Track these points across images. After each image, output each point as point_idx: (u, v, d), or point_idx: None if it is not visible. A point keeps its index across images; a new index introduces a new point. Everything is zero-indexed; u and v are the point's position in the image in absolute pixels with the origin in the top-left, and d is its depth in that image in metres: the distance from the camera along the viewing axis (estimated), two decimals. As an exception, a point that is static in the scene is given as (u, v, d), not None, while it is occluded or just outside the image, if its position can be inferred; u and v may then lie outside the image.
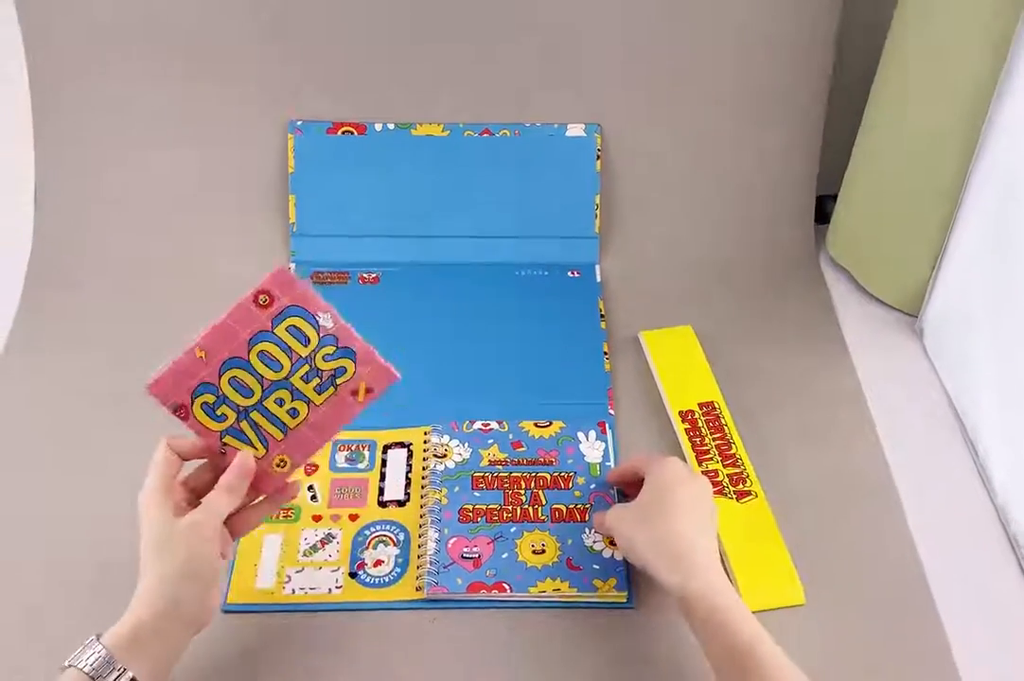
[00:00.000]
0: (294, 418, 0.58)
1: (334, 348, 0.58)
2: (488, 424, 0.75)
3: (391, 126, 0.87)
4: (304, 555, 0.67)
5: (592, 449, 0.73)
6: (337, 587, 0.65)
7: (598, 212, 0.89)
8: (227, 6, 0.82)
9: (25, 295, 0.86)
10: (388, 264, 0.88)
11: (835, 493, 0.71)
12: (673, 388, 0.78)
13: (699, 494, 0.62)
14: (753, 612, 0.56)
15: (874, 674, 0.61)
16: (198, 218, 0.89)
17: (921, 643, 0.63)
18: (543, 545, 0.67)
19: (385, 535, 0.68)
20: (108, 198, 0.88)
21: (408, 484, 0.71)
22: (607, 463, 0.73)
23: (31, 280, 0.87)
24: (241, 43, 0.84)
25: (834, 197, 0.91)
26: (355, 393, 0.58)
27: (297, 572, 0.66)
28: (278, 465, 0.59)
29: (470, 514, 0.69)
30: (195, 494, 0.58)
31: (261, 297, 0.57)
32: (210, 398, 0.57)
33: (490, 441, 0.74)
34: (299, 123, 0.87)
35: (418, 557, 0.67)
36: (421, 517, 0.69)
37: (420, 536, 0.68)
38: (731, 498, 0.70)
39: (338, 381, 0.58)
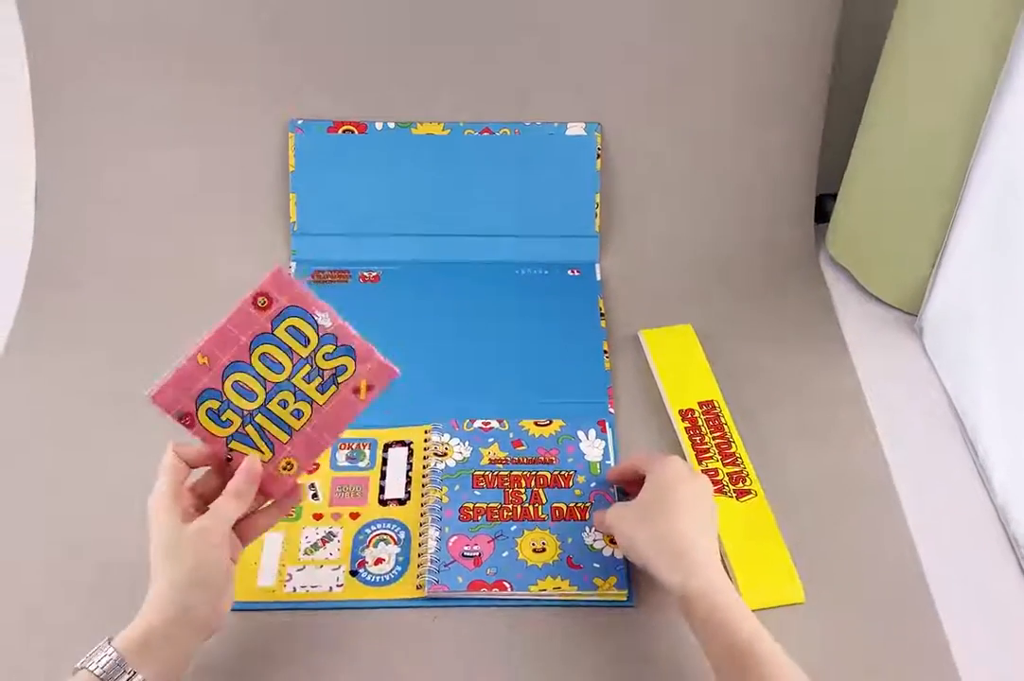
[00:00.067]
0: (298, 419, 0.58)
1: (334, 347, 0.58)
2: (488, 423, 0.75)
3: (392, 125, 0.87)
4: (305, 553, 0.67)
5: (592, 448, 0.74)
6: (338, 585, 0.65)
7: (598, 211, 0.89)
8: (228, 6, 0.82)
9: (25, 295, 0.85)
10: (389, 263, 0.88)
11: (834, 492, 0.72)
12: (673, 387, 0.78)
13: (700, 493, 0.63)
14: (753, 610, 0.56)
15: (873, 673, 0.61)
16: (199, 217, 0.89)
17: (920, 641, 0.63)
18: (543, 543, 0.67)
19: (386, 533, 0.68)
20: (109, 197, 0.88)
21: (409, 483, 0.71)
22: (607, 462, 0.73)
23: (31, 280, 0.87)
24: (242, 42, 0.84)
25: (834, 196, 0.91)
26: (357, 391, 0.58)
27: (298, 570, 0.66)
28: (285, 468, 0.59)
29: (471, 513, 0.69)
30: (203, 500, 0.58)
31: (260, 299, 0.57)
32: (215, 404, 0.57)
33: (490, 440, 0.74)
34: (300, 122, 0.87)
35: (419, 556, 0.67)
36: (422, 515, 0.69)
37: (421, 535, 0.68)
38: (731, 497, 0.70)
39: (339, 379, 0.58)
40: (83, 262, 0.88)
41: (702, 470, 0.72)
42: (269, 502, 0.60)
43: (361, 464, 0.73)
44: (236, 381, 0.57)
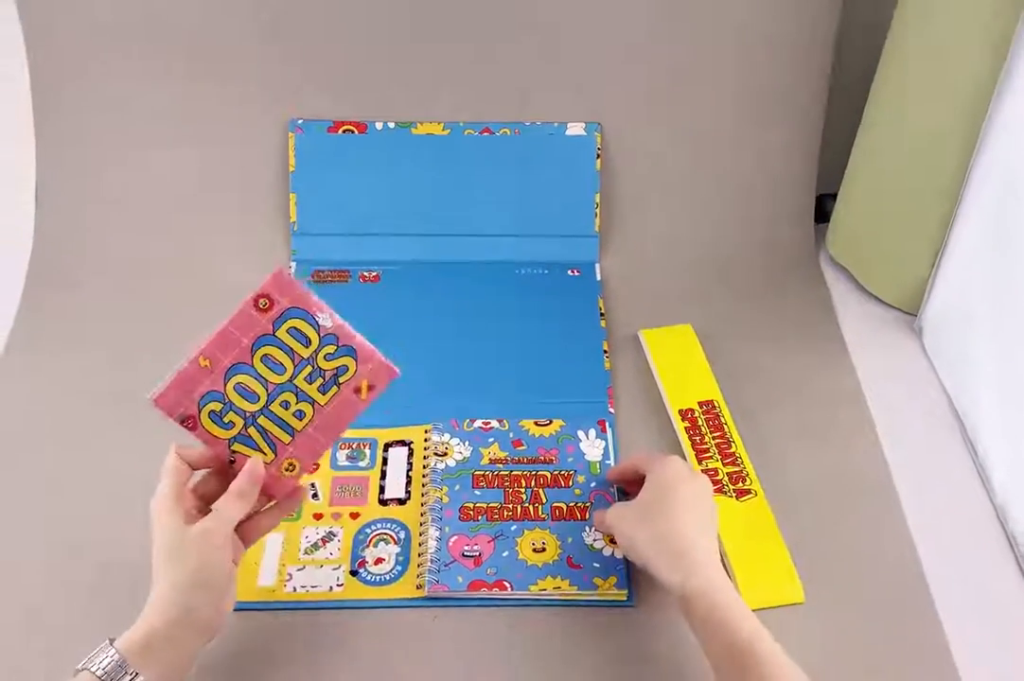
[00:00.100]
0: (300, 420, 0.58)
1: (335, 347, 0.58)
2: (488, 422, 0.75)
3: (392, 125, 0.88)
4: (305, 553, 0.67)
5: (592, 447, 0.74)
6: (338, 585, 0.65)
7: (598, 211, 0.89)
8: (228, 5, 0.82)
9: (25, 295, 0.85)
10: (389, 263, 0.88)
11: (834, 492, 0.72)
12: (673, 386, 0.78)
13: (700, 493, 0.63)
14: (752, 610, 0.56)
15: (873, 672, 0.61)
16: (199, 217, 0.89)
17: (920, 641, 0.63)
18: (543, 543, 0.67)
19: (386, 533, 0.68)
20: (109, 197, 0.88)
21: (409, 482, 0.71)
22: (607, 461, 0.73)
23: (31, 280, 0.87)
24: (242, 42, 0.84)
25: (834, 196, 0.91)
26: (358, 391, 0.58)
27: (298, 570, 0.66)
28: (287, 469, 0.59)
29: (471, 512, 0.69)
30: (204, 501, 0.58)
31: (261, 301, 0.57)
32: (217, 406, 0.57)
33: (490, 439, 0.74)
34: (300, 122, 0.87)
35: (419, 555, 0.67)
36: (422, 515, 0.69)
37: (421, 534, 0.68)
38: (731, 496, 0.70)
39: (341, 380, 0.58)
40: (83, 262, 0.88)
41: (702, 470, 0.72)
42: (271, 503, 0.60)
43: (361, 464, 0.73)
44: (238, 383, 0.57)
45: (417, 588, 0.65)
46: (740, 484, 0.71)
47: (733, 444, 0.73)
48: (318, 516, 0.69)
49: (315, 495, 0.70)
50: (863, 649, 0.62)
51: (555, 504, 0.70)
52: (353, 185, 0.88)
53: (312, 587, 0.65)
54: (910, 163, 0.78)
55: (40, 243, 0.88)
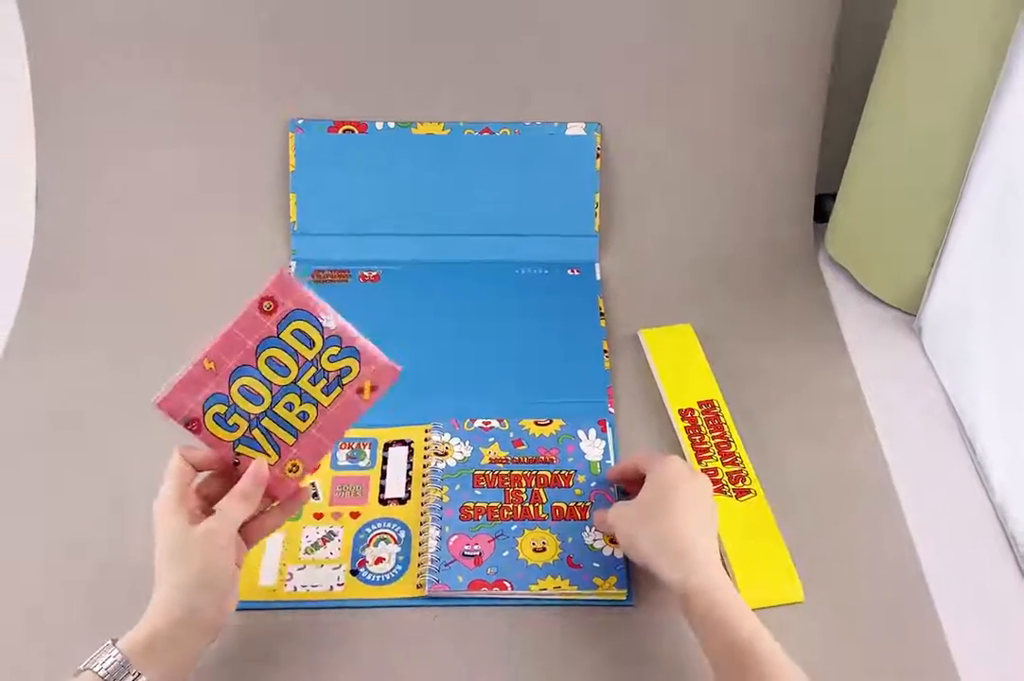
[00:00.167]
0: (304, 421, 0.58)
1: (339, 348, 0.58)
2: (489, 422, 0.75)
3: (392, 125, 0.88)
4: (305, 553, 0.67)
5: (592, 447, 0.74)
6: (339, 585, 0.65)
7: (598, 210, 0.89)
8: (228, 5, 0.82)
9: (26, 295, 0.85)
10: (389, 262, 0.88)
11: (834, 491, 0.72)
12: (673, 386, 0.78)
13: (700, 492, 0.63)
14: (752, 609, 0.56)
15: (872, 671, 0.61)
16: (199, 217, 0.89)
17: (919, 640, 0.63)
18: (544, 543, 0.67)
19: (386, 533, 0.68)
20: (109, 197, 0.89)
21: (409, 482, 0.72)
22: (607, 461, 0.73)
23: (32, 280, 0.87)
24: (242, 42, 0.84)
25: (833, 196, 0.91)
26: (361, 391, 0.58)
27: (299, 569, 0.66)
28: (290, 470, 0.59)
29: (471, 512, 0.69)
30: (208, 501, 0.58)
31: (265, 303, 0.57)
32: (221, 408, 0.57)
33: (491, 439, 0.74)
34: (300, 121, 0.87)
35: (419, 555, 0.67)
36: (422, 515, 0.69)
37: (421, 534, 0.68)
38: (730, 496, 0.70)
39: (344, 381, 0.58)
40: (83, 262, 0.88)
41: (702, 469, 0.72)
42: (273, 504, 0.60)
43: (361, 463, 0.73)
44: (243, 385, 0.57)
45: (417, 587, 0.65)
46: (740, 484, 0.71)
47: (733, 444, 0.73)
48: (318, 516, 0.69)
49: (315, 494, 0.71)
50: (862, 648, 0.62)
51: (555, 504, 0.70)
52: (353, 185, 0.88)
53: (312, 586, 0.65)
54: (909, 163, 0.78)
55: (40, 243, 0.88)
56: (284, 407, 0.58)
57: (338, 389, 0.58)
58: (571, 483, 0.71)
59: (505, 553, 0.67)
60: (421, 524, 0.69)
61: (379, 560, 0.67)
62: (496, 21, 0.84)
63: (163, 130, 0.87)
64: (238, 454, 0.58)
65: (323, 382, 0.58)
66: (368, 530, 0.69)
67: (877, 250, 0.86)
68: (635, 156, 0.89)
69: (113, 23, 0.83)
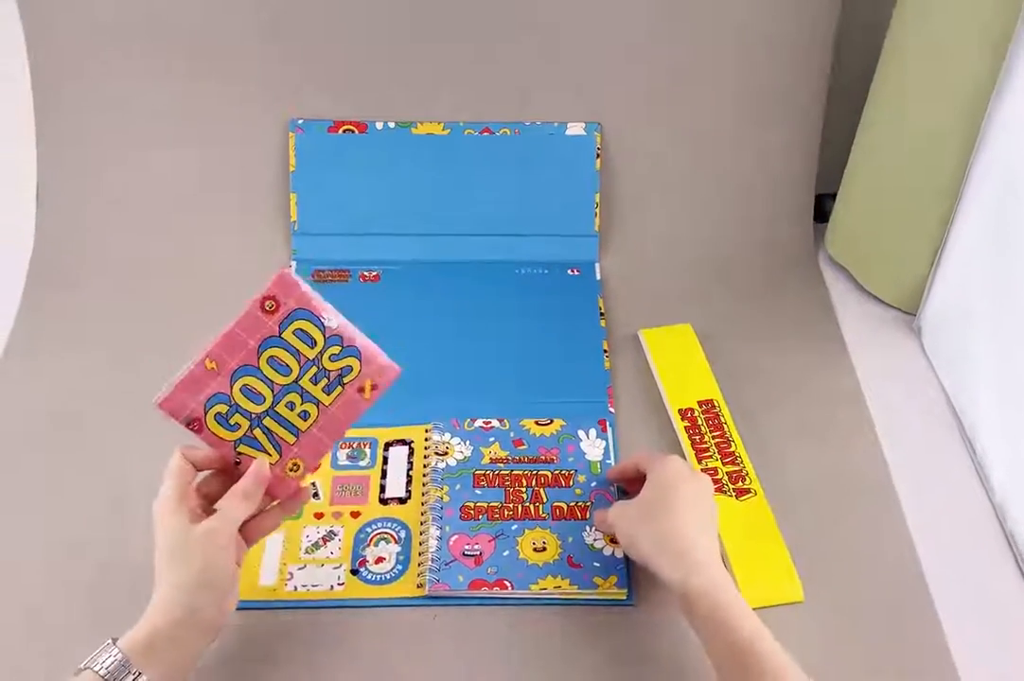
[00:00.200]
0: (305, 421, 0.58)
1: (340, 348, 0.58)
2: (489, 422, 0.75)
3: (392, 125, 0.88)
4: (306, 552, 0.67)
5: (592, 447, 0.74)
6: (339, 584, 0.65)
7: (598, 210, 0.89)
8: (228, 5, 0.82)
9: (26, 295, 0.85)
10: (389, 262, 0.88)
11: (834, 491, 0.72)
12: (673, 386, 0.78)
13: (700, 492, 0.63)
14: (752, 609, 0.56)
15: (872, 671, 0.61)
16: (199, 217, 0.89)
17: (919, 640, 0.63)
18: (544, 543, 0.67)
19: (386, 532, 0.68)
20: (110, 197, 0.89)
21: (409, 482, 0.72)
22: (607, 461, 0.73)
23: (32, 279, 0.87)
24: (242, 42, 0.84)
25: (833, 196, 0.91)
26: (361, 390, 0.58)
27: (299, 569, 0.66)
28: (291, 469, 0.59)
29: (471, 511, 0.69)
30: (208, 500, 0.58)
31: (267, 303, 0.57)
32: (223, 408, 0.57)
33: (491, 439, 0.74)
34: (300, 121, 0.87)
35: (419, 554, 0.67)
36: (422, 514, 0.69)
37: (421, 533, 0.68)
38: (730, 496, 0.70)
39: (345, 380, 0.58)
40: (84, 262, 0.88)
41: (702, 469, 0.72)
42: (273, 503, 0.60)
43: (362, 463, 0.73)
44: (244, 385, 0.57)
45: (418, 587, 0.65)
46: (740, 483, 0.71)
47: (733, 443, 0.74)
48: (319, 515, 0.69)
49: (316, 494, 0.71)
50: (862, 648, 0.62)
51: (556, 503, 0.70)
52: (353, 185, 0.88)
53: (313, 586, 0.65)
54: (909, 162, 0.78)
55: (41, 243, 0.88)
56: (285, 406, 0.58)
57: (339, 388, 0.58)
58: (571, 483, 0.71)
59: (505, 553, 0.67)
60: (421, 524, 0.69)
61: (379, 560, 0.67)
62: (496, 21, 0.84)
63: (163, 130, 0.87)
64: (239, 454, 0.58)
65: (324, 381, 0.58)
66: (368, 530, 0.69)
67: (877, 250, 0.86)
68: (635, 156, 0.89)
69: (113, 23, 0.83)
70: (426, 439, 0.74)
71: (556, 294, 0.87)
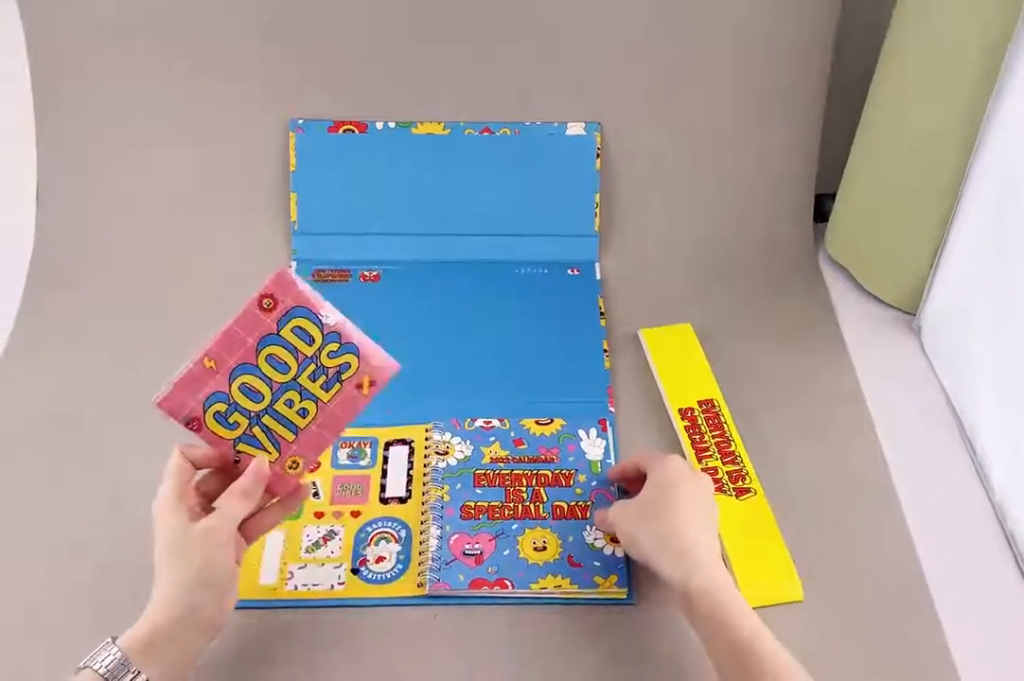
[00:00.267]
0: (304, 418, 0.58)
1: (338, 345, 0.58)
2: (489, 421, 0.75)
3: (392, 124, 0.88)
4: (306, 552, 0.67)
5: (593, 446, 0.74)
6: (339, 583, 0.65)
7: (598, 210, 0.89)
8: (229, 5, 0.82)
9: (26, 294, 0.85)
10: (389, 262, 0.88)
11: (834, 490, 0.72)
12: (673, 386, 0.79)
13: (701, 491, 0.63)
14: (752, 608, 0.56)
15: (872, 671, 0.61)
16: (199, 216, 0.89)
17: (919, 639, 0.63)
18: (544, 542, 0.68)
19: (387, 532, 0.68)
20: (110, 196, 0.89)
21: (410, 481, 0.72)
22: (608, 461, 0.73)
23: (32, 279, 0.87)
24: (243, 41, 0.84)
25: (833, 196, 0.91)
26: (360, 387, 0.58)
27: (299, 568, 0.66)
28: (291, 467, 0.59)
29: (472, 511, 0.69)
30: (207, 498, 0.58)
31: (265, 301, 0.57)
32: (222, 407, 0.57)
33: (491, 438, 0.74)
34: (300, 121, 0.87)
35: (420, 554, 0.67)
36: (423, 514, 0.69)
37: (422, 533, 0.68)
38: (731, 495, 0.70)
39: (343, 377, 0.58)
40: (84, 261, 0.88)
41: (702, 468, 0.72)
42: (273, 500, 0.60)
43: (362, 462, 0.73)
44: (243, 383, 0.57)
45: (418, 586, 0.65)
46: (740, 483, 0.71)
47: (733, 443, 0.74)
48: (319, 515, 0.69)
49: (316, 493, 0.71)
50: (862, 647, 0.62)
51: (556, 503, 0.70)
52: (353, 185, 0.88)
53: (313, 585, 0.65)
54: (909, 162, 0.78)
55: (41, 242, 0.88)
56: (284, 404, 0.58)
57: (337, 385, 0.58)
58: (572, 482, 0.71)
59: (506, 552, 0.67)
60: (422, 523, 0.69)
61: (380, 559, 0.67)
62: (496, 21, 0.84)
63: (164, 129, 0.87)
64: (239, 452, 0.58)
65: (323, 378, 0.58)
66: (369, 529, 0.69)
67: (877, 250, 0.86)
68: (635, 156, 0.89)
69: (113, 22, 0.83)
70: (426, 439, 0.74)
71: (556, 294, 0.87)
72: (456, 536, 0.67)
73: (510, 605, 0.65)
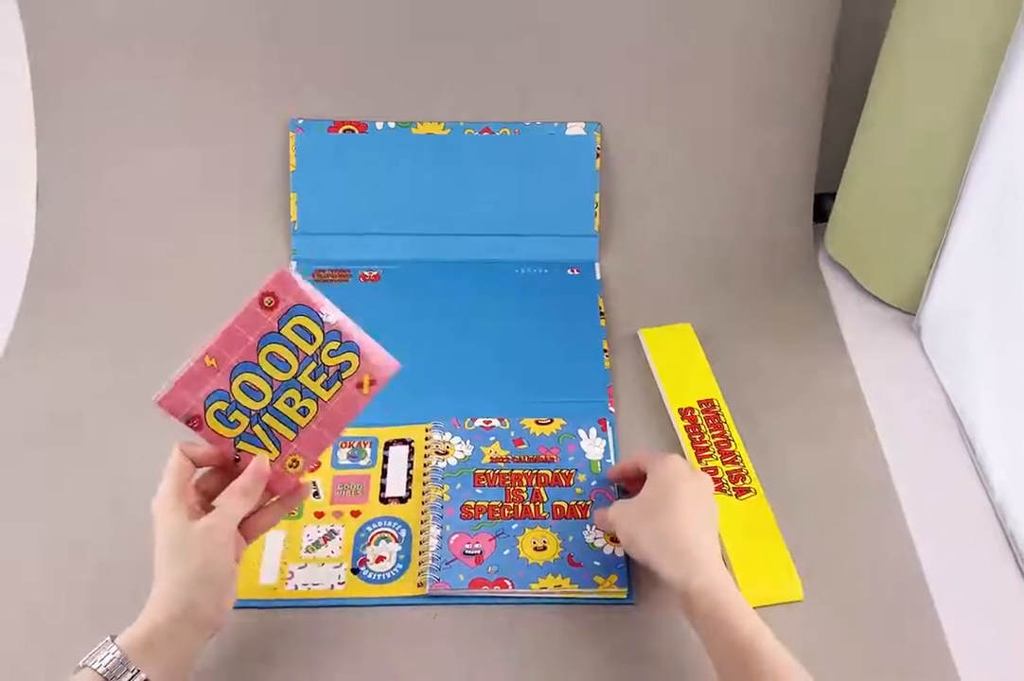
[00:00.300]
0: (304, 417, 0.58)
1: (339, 343, 0.58)
2: (489, 421, 0.75)
3: (392, 124, 0.88)
4: (307, 551, 0.67)
5: (593, 446, 0.74)
6: (339, 583, 0.65)
7: (598, 210, 0.89)
8: (229, 5, 0.82)
9: (26, 294, 0.85)
10: (389, 262, 0.88)
11: (834, 490, 0.72)
12: (673, 385, 0.79)
13: (701, 491, 0.63)
14: (752, 608, 0.56)
15: (872, 670, 0.61)
16: (199, 216, 0.89)
17: (918, 639, 0.63)
18: (544, 542, 0.68)
19: (387, 531, 0.68)
20: (110, 196, 0.89)
21: (410, 481, 0.72)
22: (608, 460, 0.73)
23: (32, 279, 0.87)
24: (243, 41, 0.84)
25: (833, 195, 0.91)
26: (360, 386, 0.58)
27: (300, 568, 0.66)
28: (291, 465, 0.59)
29: (472, 511, 0.69)
30: (207, 497, 0.58)
31: (266, 299, 0.57)
32: (222, 405, 0.57)
33: (491, 438, 0.74)
34: (300, 121, 0.87)
35: (420, 553, 0.67)
36: (423, 513, 0.69)
37: (422, 532, 0.68)
38: (730, 495, 0.70)
39: (344, 375, 0.58)
40: (84, 261, 0.88)
41: (702, 468, 0.72)
42: (273, 499, 0.60)
43: (362, 462, 0.73)
44: (244, 381, 0.57)
45: (418, 586, 0.65)
46: (740, 482, 0.71)
47: (733, 443, 0.74)
48: (319, 514, 0.69)
49: (316, 493, 0.71)
50: (862, 647, 0.62)
51: (556, 502, 0.70)
52: (353, 185, 0.88)
53: (313, 585, 0.65)
54: (909, 162, 0.79)
55: (41, 242, 0.88)
56: (285, 402, 0.58)
57: (338, 384, 0.58)
58: (572, 482, 0.71)
59: (506, 552, 0.67)
60: (422, 523, 0.69)
61: (380, 559, 0.67)
62: (496, 21, 0.84)
63: (164, 129, 0.87)
64: (239, 450, 0.58)
65: (323, 377, 0.58)
66: (369, 529, 0.69)
67: (877, 250, 0.86)
68: (635, 156, 0.89)
69: (113, 22, 0.83)
70: (426, 438, 0.74)
71: (556, 294, 0.87)
72: (456, 536, 0.67)
73: (510, 605, 0.65)
